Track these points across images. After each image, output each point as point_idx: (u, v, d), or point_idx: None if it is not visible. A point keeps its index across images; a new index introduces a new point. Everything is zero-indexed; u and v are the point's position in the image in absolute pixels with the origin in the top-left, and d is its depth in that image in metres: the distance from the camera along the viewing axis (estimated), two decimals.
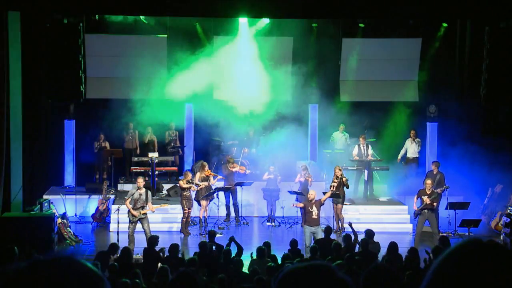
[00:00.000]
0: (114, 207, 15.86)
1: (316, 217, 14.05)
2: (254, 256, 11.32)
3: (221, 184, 17.28)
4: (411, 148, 19.11)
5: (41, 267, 1.63)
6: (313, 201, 14.18)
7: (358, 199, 18.07)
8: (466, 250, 1.66)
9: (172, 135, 19.82)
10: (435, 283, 1.64)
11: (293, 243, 12.26)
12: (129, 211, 14.35)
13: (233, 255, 11.35)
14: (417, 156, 19.22)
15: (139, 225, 14.38)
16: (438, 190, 15.80)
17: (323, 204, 14.58)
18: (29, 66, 16.45)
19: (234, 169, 17.42)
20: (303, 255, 12.30)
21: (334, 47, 19.88)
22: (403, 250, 12.00)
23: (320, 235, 13.63)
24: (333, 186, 16.09)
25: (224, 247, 11.64)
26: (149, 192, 14.74)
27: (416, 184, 16.81)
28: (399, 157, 19.15)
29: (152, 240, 12.00)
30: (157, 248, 11.84)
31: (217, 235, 13.80)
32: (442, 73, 19.84)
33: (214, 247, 11.83)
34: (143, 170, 18.82)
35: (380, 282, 3.10)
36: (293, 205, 15.52)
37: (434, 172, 16.75)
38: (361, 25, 19.64)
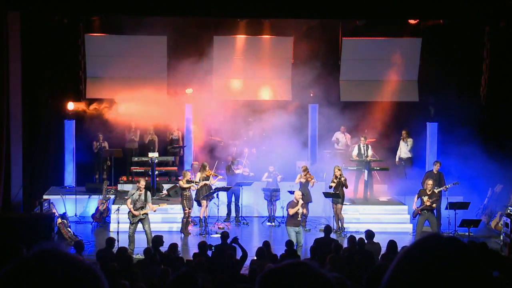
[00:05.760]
0: (114, 207, 15.85)
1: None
2: None
3: (221, 184, 17.27)
4: (403, 148, 19.14)
5: (31, 265, 1.60)
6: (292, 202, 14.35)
7: (358, 199, 18.06)
8: (426, 244, 1.66)
9: (173, 135, 19.78)
10: (396, 277, 1.65)
11: (289, 243, 12.14)
12: (129, 212, 14.36)
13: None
14: (410, 156, 19.19)
15: (139, 226, 14.39)
16: (443, 188, 15.82)
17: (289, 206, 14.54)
18: (29, 66, 16.45)
19: (237, 171, 17.41)
20: (299, 255, 12.23)
21: (334, 47, 19.86)
22: None
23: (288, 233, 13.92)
24: (331, 186, 16.24)
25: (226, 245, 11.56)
26: (149, 193, 14.75)
27: (415, 184, 16.78)
28: (396, 158, 19.17)
29: (157, 240, 11.97)
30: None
31: (216, 236, 13.76)
32: (442, 73, 19.82)
33: (213, 248, 11.73)
34: (143, 170, 18.83)
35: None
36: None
37: (435, 172, 16.75)
38: (361, 25, 19.63)
